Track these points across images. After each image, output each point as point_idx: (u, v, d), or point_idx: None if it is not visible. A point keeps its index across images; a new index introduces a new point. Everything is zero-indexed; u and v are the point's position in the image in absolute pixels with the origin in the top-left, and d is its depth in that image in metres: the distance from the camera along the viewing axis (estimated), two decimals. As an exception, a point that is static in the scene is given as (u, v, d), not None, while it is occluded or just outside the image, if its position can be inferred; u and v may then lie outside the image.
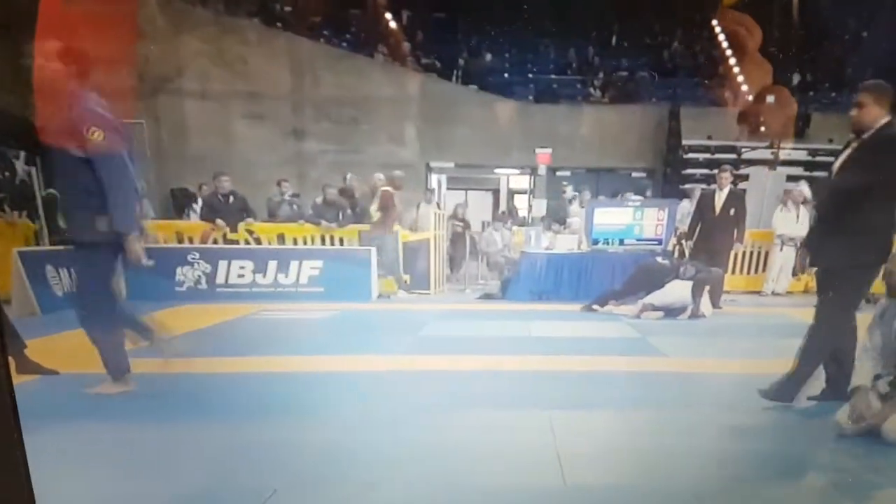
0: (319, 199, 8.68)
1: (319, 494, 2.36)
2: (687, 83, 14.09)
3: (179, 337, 4.18)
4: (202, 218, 8.44)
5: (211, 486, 2.42)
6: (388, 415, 3.31)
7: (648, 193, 11.32)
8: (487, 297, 8.29)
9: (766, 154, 11.50)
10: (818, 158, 10.89)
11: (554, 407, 3.33)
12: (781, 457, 2.82)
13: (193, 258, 7.66)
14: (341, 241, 8.49)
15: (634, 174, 13.06)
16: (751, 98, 12.75)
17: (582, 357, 4.71)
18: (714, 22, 13.94)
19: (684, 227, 8.11)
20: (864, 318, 3.19)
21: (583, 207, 9.21)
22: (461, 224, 9.99)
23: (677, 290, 6.52)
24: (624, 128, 12.89)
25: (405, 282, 8.36)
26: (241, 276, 7.73)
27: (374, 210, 8.09)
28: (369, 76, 12.11)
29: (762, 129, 11.89)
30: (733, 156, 11.61)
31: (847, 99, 9.34)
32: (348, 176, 9.04)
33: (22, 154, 8.16)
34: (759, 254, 8.89)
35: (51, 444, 2.42)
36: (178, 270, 7.63)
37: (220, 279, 7.70)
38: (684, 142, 12.37)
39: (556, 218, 10.12)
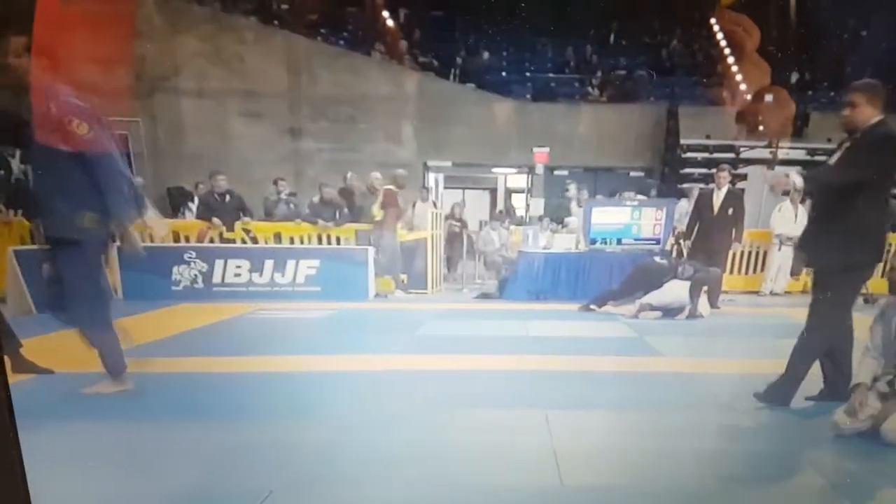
0: (316, 198, 8.65)
1: (316, 495, 2.35)
2: (685, 82, 14.07)
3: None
4: (198, 217, 8.40)
5: (206, 486, 2.40)
6: (384, 415, 3.30)
7: (654, 193, 11.21)
8: (485, 296, 8.28)
9: (765, 153, 11.51)
10: (817, 158, 10.88)
11: (551, 407, 3.33)
12: (779, 457, 2.82)
13: (190, 257, 7.62)
14: (338, 240, 8.47)
15: (633, 173, 13.05)
16: (749, 97, 12.75)
17: (579, 357, 4.71)
18: (713, 21, 13.93)
19: (682, 227, 8.11)
20: (864, 318, 3.18)
21: (580, 207, 9.20)
22: (458, 224, 9.97)
23: (675, 290, 6.51)
24: (622, 127, 12.88)
25: (402, 281, 8.35)
26: (237, 275, 7.70)
27: (376, 209, 8.06)
28: (366, 74, 12.07)
29: (761, 128, 11.89)
30: (732, 155, 11.61)
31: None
32: (349, 175, 9.00)
33: (18, 152, 8.11)
34: (757, 253, 8.88)
35: (46, 444, 2.41)
36: (175, 269, 7.59)
37: (216, 278, 7.66)
38: (682, 141, 12.35)
39: (556, 217, 10.09)
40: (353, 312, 6.82)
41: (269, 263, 7.73)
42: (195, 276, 7.62)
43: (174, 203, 10.43)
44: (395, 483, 2.45)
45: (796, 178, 3.38)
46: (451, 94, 12.80)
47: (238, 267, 7.70)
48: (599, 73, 14.49)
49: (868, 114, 3.10)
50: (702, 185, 9.60)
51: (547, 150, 10.91)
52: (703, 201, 7.29)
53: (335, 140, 11.70)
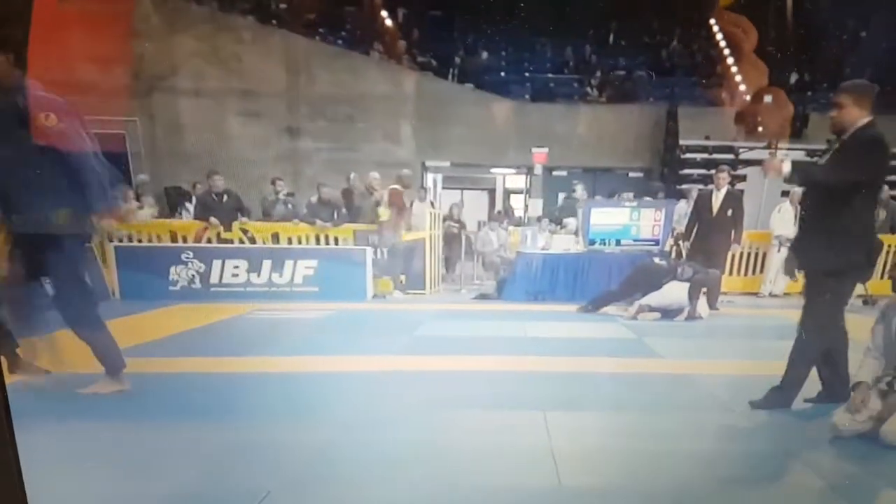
0: (314, 198, 8.64)
1: (313, 495, 2.34)
2: (685, 83, 14.03)
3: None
4: (196, 216, 8.37)
5: (204, 486, 2.40)
6: (382, 415, 3.30)
7: (661, 195, 10.99)
8: (483, 297, 8.28)
9: (764, 154, 11.49)
10: (816, 158, 10.87)
11: (549, 407, 3.32)
12: (777, 459, 2.82)
13: (187, 257, 7.61)
14: (336, 240, 8.45)
15: (632, 174, 13.03)
16: (748, 98, 12.74)
17: (578, 358, 4.70)
18: (712, 21, 13.93)
19: (681, 228, 8.10)
20: (865, 320, 3.18)
21: (579, 207, 9.18)
22: (457, 225, 9.95)
23: (674, 292, 6.50)
24: (621, 127, 12.85)
25: (401, 282, 8.34)
26: (235, 275, 7.68)
27: (383, 209, 8.04)
28: (365, 74, 12.05)
29: (760, 129, 11.89)
30: (731, 156, 11.62)
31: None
32: (352, 175, 8.98)
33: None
34: (756, 255, 8.88)
35: (43, 444, 2.39)
36: (172, 269, 7.57)
37: (214, 278, 7.65)
38: (682, 142, 12.33)
39: (557, 218, 10.01)
40: (350, 313, 6.81)
41: (266, 263, 7.72)
42: (192, 276, 7.61)
43: (171, 203, 10.40)
44: (392, 483, 2.44)
45: (787, 165, 3.37)
46: (450, 93, 12.77)
47: (236, 267, 7.68)
48: (598, 74, 14.46)
49: (855, 115, 3.09)
50: (701, 186, 9.58)
51: (546, 150, 10.89)
52: (703, 202, 7.28)
53: (333, 140, 11.67)
